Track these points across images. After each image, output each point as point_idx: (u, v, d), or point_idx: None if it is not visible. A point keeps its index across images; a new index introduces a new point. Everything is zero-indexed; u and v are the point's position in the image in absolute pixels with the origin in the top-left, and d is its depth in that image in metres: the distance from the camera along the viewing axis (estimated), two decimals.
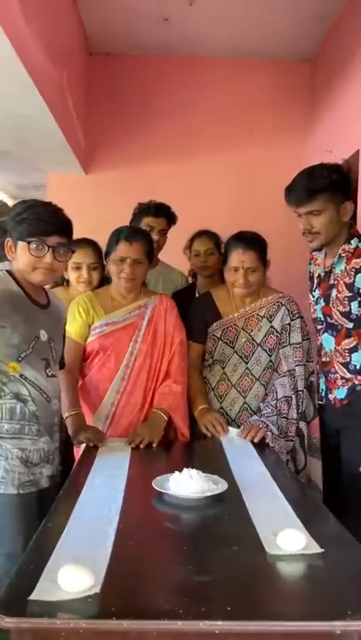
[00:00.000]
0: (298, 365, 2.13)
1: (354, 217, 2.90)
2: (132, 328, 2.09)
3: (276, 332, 2.16)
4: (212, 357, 2.21)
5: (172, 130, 3.82)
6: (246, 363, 2.16)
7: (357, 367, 1.89)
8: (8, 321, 1.54)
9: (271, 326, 2.16)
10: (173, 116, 3.82)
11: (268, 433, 1.97)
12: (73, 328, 2.08)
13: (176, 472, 1.43)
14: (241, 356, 2.17)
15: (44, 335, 1.64)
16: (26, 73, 2.21)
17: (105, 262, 2.14)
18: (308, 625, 0.87)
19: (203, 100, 3.84)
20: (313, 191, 1.81)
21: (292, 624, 0.87)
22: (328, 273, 1.97)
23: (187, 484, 1.37)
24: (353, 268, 1.86)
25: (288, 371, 2.13)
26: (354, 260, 1.86)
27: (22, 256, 1.58)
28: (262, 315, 2.17)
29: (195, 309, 2.29)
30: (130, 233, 2.07)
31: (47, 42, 2.56)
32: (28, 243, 1.56)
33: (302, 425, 2.13)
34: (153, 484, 1.40)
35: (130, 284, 2.07)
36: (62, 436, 1.95)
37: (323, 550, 1.11)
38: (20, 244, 1.57)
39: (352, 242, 1.88)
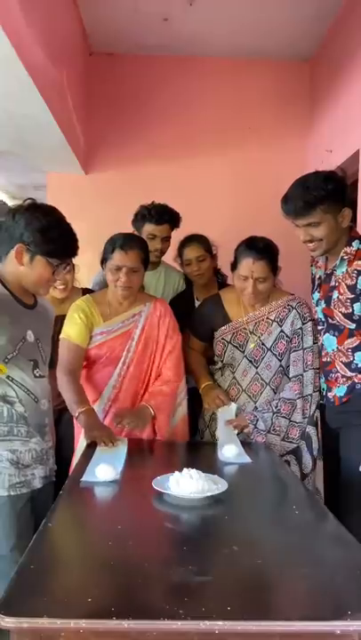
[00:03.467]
0: (307, 370, 2.11)
1: (354, 218, 2.91)
2: (125, 337, 2.10)
3: (287, 336, 2.14)
4: (222, 361, 2.21)
5: (172, 130, 3.81)
6: (256, 367, 2.16)
7: (359, 365, 1.89)
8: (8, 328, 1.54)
9: (281, 331, 2.15)
10: (173, 115, 3.82)
11: (251, 426, 2.04)
12: (74, 331, 2.08)
13: (176, 472, 1.43)
14: (251, 361, 2.16)
15: (30, 336, 1.64)
16: (26, 73, 2.21)
17: (101, 268, 2.15)
18: (308, 625, 0.87)
19: (202, 99, 3.83)
20: (310, 204, 1.79)
21: (292, 624, 0.87)
22: (329, 275, 1.97)
23: (187, 484, 1.37)
24: (355, 270, 1.86)
25: (295, 376, 2.12)
26: (356, 262, 1.86)
27: (41, 270, 1.61)
28: (272, 318, 2.15)
29: (202, 310, 2.30)
30: (125, 242, 2.05)
31: (47, 42, 2.56)
32: (56, 264, 1.62)
33: (310, 429, 2.11)
34: (153, 484, 1.40)
35: (126, 292, 2.07)
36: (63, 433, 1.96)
37: (251, 461, 1.76)
38: (41, 258, 1.60)
39: (353, 244, 1.88)
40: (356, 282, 1.85)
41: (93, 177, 3.86)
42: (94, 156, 3.83)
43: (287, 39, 3.57)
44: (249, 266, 2.05)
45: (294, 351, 2.13)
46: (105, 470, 1.55)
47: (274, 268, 2.10)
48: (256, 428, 2.05)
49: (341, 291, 1.90)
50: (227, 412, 2.12)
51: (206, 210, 3.60)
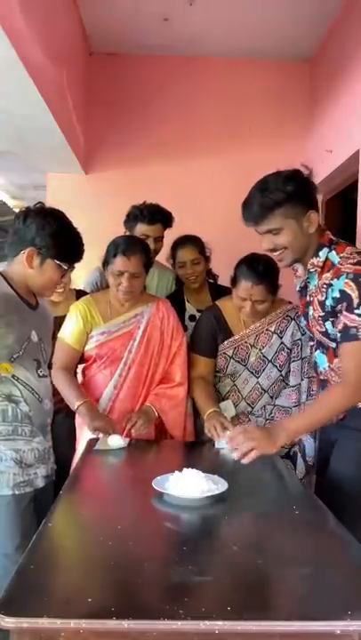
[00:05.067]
0: (304, 379, 2.13)
1: (354, 219, 2.90)
2: (127, 337, 2.10)
3: (287, 348, 2.15)
4: (224, 374, 2.20)
5: (172, 130, 3.81)
6: (257, 377, 2.16)
7: None
8: (2, 321, 1.55)
9: (282, 342, 2.15)
10: (173, 115, 3.82)
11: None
12: (70, 333, 2.09)
13: (176, 472, 1.43)
14: (252, 372, 2.16)
15: (34, 336, 1.65)
16: (26, 73, 2.21)
17: (103, 270, 2.14)
18: (308, 625, 0.87)
19: (203, 99, 3.83)
20: (268, 208, 1.59)
21: (292, 624, 0.87)
22: (304, 288, 1.80)
23: (187, 484, 1.37)
24: (324, 284, 1.64)
25: (295, 385, 2.14)
26: (324, 275, 1.65)
27: (51, 274, 1.64)
28: (273, 330, 2.15)
29: (204, 324, 2.24)
30: (127, 247, 2.03)
31: (47, 42, 2.56)
32: (65, 268, 1.65)
33: (304, 436, 2.09)
34: (153, 484, 1.40)
35: (128, 297, 2.07)
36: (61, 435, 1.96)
37: None
38: (52, 262, 1.62)
39: (320, 254, 1.65)
40: (326, 297, 1.63)
41: (93, 177, 3.86)
42: (94, 156, 3.83)
43: (287, 39, 3.57)
44: (248, 289, 2.02)
45: (294, 361, 2.15)
46: (116, 439, 1.82)
47: (273, 289, 2.07)
48: None
49: (315, 307, 1.70)
50: (226, 411, 2.12)
51: (206, 210, 3.61)
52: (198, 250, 2.51)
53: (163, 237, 2.54)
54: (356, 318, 1.51)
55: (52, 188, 3.86)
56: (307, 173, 1.65)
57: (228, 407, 2.11)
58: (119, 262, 2.02)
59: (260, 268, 2.00)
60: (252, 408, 2.15)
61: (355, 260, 1.56)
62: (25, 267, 1.61)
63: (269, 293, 2.06)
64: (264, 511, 1.40)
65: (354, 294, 1.52)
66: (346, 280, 1.54)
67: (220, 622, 0.85)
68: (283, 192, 1.58)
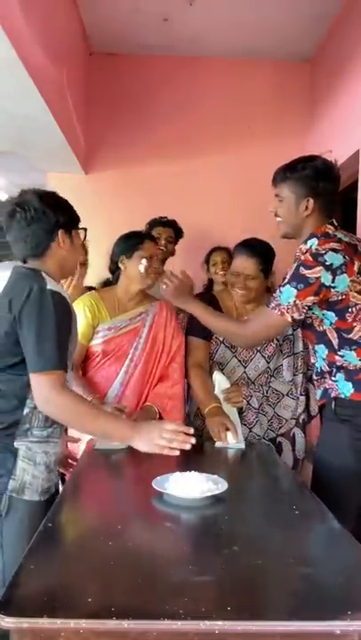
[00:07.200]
0: (297, 374, 2.16)
1: (353, 221, 2.90)
2: (133, 334, 2.11)
3: (277, 339, 2.16)
4: (212, 359, 2.22)
5: (173, 130, 3.81)
6: (245, 367, 2.18)
7: (318, 370, 1.82)
8: (71, 328, 1.53)
9: None
10: (174, 115, 3.82)
11: (244, 402, 2.07)
12: (78, 328, 2.08)
13: (176, 472, 1.43)
14: (240, 361, 2.18)
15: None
16: (26, 73, 2.21)
17: (120, 264, 2.14)
18: (308, 625, 0.87)
19: (203, 100, 3.83)
20: (283, 177, 1.79)
21: (292, 624, 0.87)
22: None
23: (187, 484, 1.37)
24: None
25: (289, 381, 2.17)
26: None
27: (79, 244, 1.64)
28: None
29: None
30: (147, 233, 2.19)
31: (47, 42, 2.56)
32: (83, 233, 1.67)
33: (297, 430, 2.15)
34: (153, 484, 1.40)
35: (157, 279, 2.13)
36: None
37: (243, 447, 1.89)
38: (75, 232, 1.63)
39: (308, 242, 1.74)
40: None
41: (93, 177, 3.86)
42: (94, 156, 3.83)
43: (287, 39, 3.57)
44: (242, 262, 2.11)
45: (287, 357, 2.17)
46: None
47: (265, 270, 2.12)
48: (249, 405, 2.07)
49: None
50: (221, 384, 2.11)
51: (207, 210, 3.61)
52: (227, 254, 3.06)
53: (173, 241, 2.93)
54: (277, 292, 1.73)
55: (51, 188, 3.84)
56: (336, 172, 1.81)
57: (220, 380, 2.10)
58: (149, 246, 2.12)
59: (255, 245, 2.14)
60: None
61: (315, 252, 1.68)
62: (61, 250, 1.57)
63: (261, 272, 2.11)
64: (264, 511, 1.40)
65: (289, 274, 1.71)
66: (294, 264, 1.71)
67: (220, 622, 0.85)
68: (298, 171, 1.77)
